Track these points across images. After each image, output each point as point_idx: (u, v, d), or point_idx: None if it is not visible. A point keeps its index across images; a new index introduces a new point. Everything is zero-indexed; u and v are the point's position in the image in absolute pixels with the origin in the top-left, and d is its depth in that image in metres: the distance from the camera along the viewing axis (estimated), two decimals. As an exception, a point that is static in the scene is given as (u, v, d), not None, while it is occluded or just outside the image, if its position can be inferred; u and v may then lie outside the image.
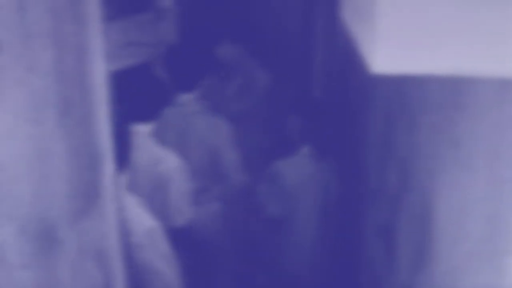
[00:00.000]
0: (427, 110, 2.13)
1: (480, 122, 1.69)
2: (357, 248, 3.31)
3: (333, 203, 3.33)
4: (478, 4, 1.27)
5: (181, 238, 2.85)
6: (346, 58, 3.46)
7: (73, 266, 1.54)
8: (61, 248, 1.50)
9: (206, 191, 3.38)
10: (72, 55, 1.46)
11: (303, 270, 3.42)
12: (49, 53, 1.39)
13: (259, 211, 3.33)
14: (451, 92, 1.89)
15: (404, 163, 2.42)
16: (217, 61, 3.98)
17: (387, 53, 1.28)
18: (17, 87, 1.35)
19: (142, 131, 2.89)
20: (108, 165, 1.67)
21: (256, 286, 3.80)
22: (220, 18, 4.25)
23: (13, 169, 1.39)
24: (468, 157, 1.78)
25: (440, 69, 1.31)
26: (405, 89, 2.37)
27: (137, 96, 2.88)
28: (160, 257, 2.39)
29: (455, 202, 1.89)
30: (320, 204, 3.30)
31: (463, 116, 1.81)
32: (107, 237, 1.67)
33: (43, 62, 1.38)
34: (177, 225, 2.99)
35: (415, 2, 1.27)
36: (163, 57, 3.37)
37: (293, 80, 4.91)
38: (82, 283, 1.58)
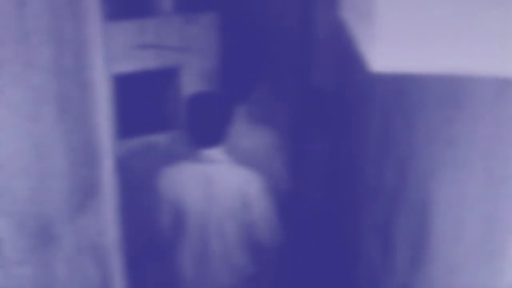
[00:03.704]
0: (425, 108, 2.13)
1: (478, 121, 1.70)
2: (355, 247, 3.32)
3: None
4: (477, 3, 1.27)
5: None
6: (345, 56, 3.47)
7: (70, 263, 1.54)
8: (58, 244, 1.50)
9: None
10: (71, 52, 1.46)
11: (301, 269, 3.42)
12: (48, 49, 1.39)
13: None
14: (449, 91, 1.89)
15: (401, 162, 2.42)
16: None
17: (386, 52, 1.28)
18: (15, 83, 1.35)
19: None
20: (107, 162, 1.67)
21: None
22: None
23: (11, 165, 1.39)
24: (465, 156, 1.79)
25: (439, 68, 1.31)
26: (403, 87, 2.38)
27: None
28: (271, 211, 2.69)
29: (452, 201, 1.89)
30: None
31: (461, 115, 1.81)
32: (105, 234, 1.68)
33: (42, 58, 1.38)
34: None
35: (414, 1, 1.27)
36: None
37: (292, 78, 4.91)
38: (79, 279, 1.58)
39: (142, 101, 3.45)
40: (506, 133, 1.55)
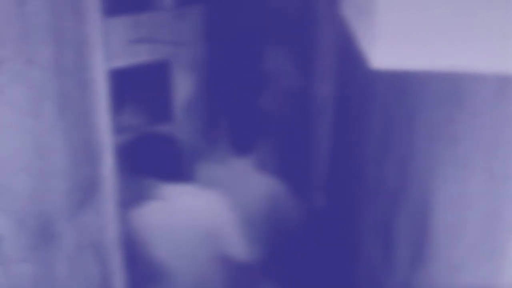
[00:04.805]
0: (426, 107, 2.13)
1: (478, 119, 1.70)
2: (355, 246, 3.32)
3: None
4: (477, 3, 1.27)
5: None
6: (345, 53, 3.47)
7: (70, 261, 1.54)
8: (59, 242, 1.50)
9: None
10: (71, 49, 1.46)
11: (301, 268, 3.42)
12: (48, 47, 1.39)
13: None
14: (450, 89, 1.89)
15: (402, 160, 2.42)
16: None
17: (386, 50, 1.28)
18: (16, 81, 1.35)
19: None
20: (108, 159, 1.67)
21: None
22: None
23: (12, 163, 1.39)
24: (466, 154, 1.79)
25: (439, 66, 1.31)
26: (404, 85, 2.38)
27: None
28: (240, 228, 2.63)
29: (453, 200, 1.89)
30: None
31: (461, 114, 1.81)
32: (106, 232, 1.67)
33: (42, 56, 1.38)
34: None
35: (414, -1, 1.27)
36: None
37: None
38: (79, 277, 1.58)
39: (136, 95, 3.46)
40: (506, 131, 1.55)
